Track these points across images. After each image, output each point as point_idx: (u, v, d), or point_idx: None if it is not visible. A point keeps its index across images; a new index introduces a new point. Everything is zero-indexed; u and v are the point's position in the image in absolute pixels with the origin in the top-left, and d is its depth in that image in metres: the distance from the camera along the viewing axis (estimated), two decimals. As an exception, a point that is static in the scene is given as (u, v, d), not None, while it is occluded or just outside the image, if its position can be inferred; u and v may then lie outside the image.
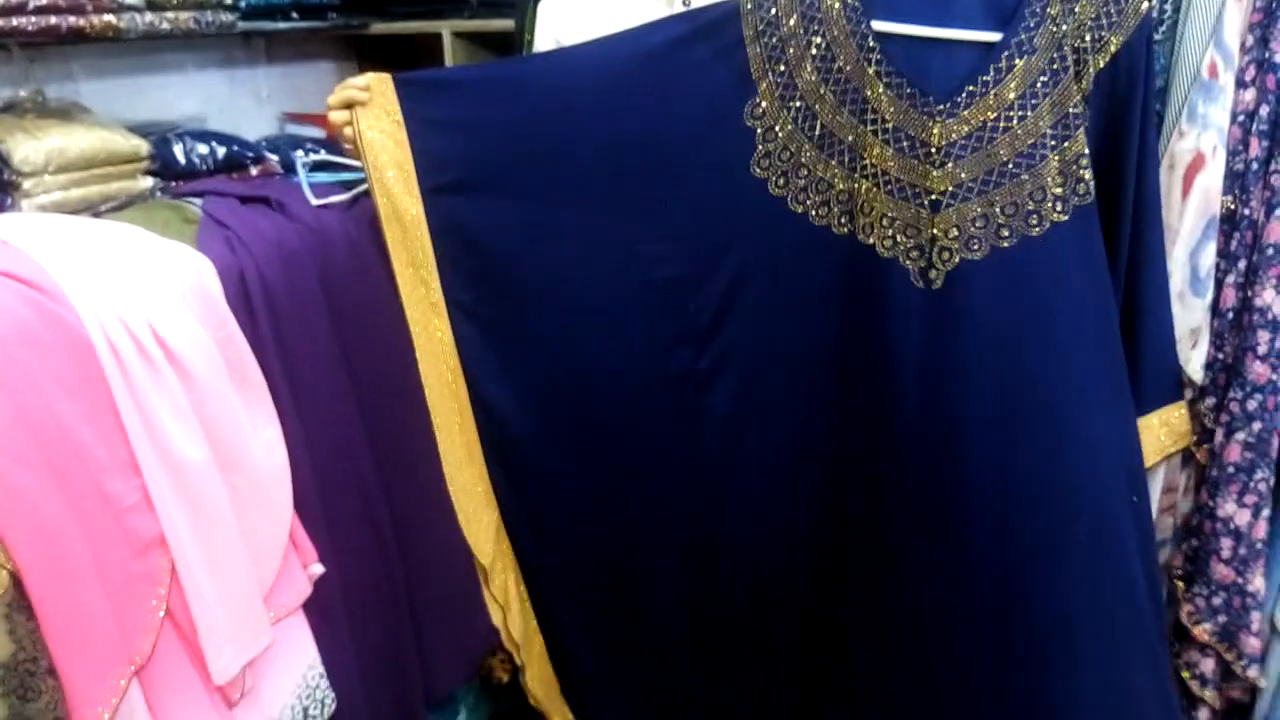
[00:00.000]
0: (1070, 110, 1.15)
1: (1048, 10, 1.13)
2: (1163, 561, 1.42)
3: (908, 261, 1.20)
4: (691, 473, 1.39)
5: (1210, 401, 1.33)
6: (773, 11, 1.18)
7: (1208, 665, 1.38)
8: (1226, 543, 1.32)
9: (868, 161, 1.19)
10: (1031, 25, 1.14)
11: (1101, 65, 1.15)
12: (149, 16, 1.59)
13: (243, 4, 1.75)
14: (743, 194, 1.24)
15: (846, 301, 1.26)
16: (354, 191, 1.48)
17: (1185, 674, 1.41)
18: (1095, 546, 1.22)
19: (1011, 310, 1.19)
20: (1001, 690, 1.28)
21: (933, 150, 1.17)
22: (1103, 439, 1.23)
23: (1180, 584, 1.40)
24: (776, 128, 1.21)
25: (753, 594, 1.43)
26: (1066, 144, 1.16)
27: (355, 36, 2.23)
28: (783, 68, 1.19)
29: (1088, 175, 1.16)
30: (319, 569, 1.15)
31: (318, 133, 1.96)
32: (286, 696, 1.12)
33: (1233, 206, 1.26)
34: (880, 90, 1.17)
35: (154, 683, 1.00)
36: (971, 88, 1.15)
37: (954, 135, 1.16)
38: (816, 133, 1.20)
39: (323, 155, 1.63)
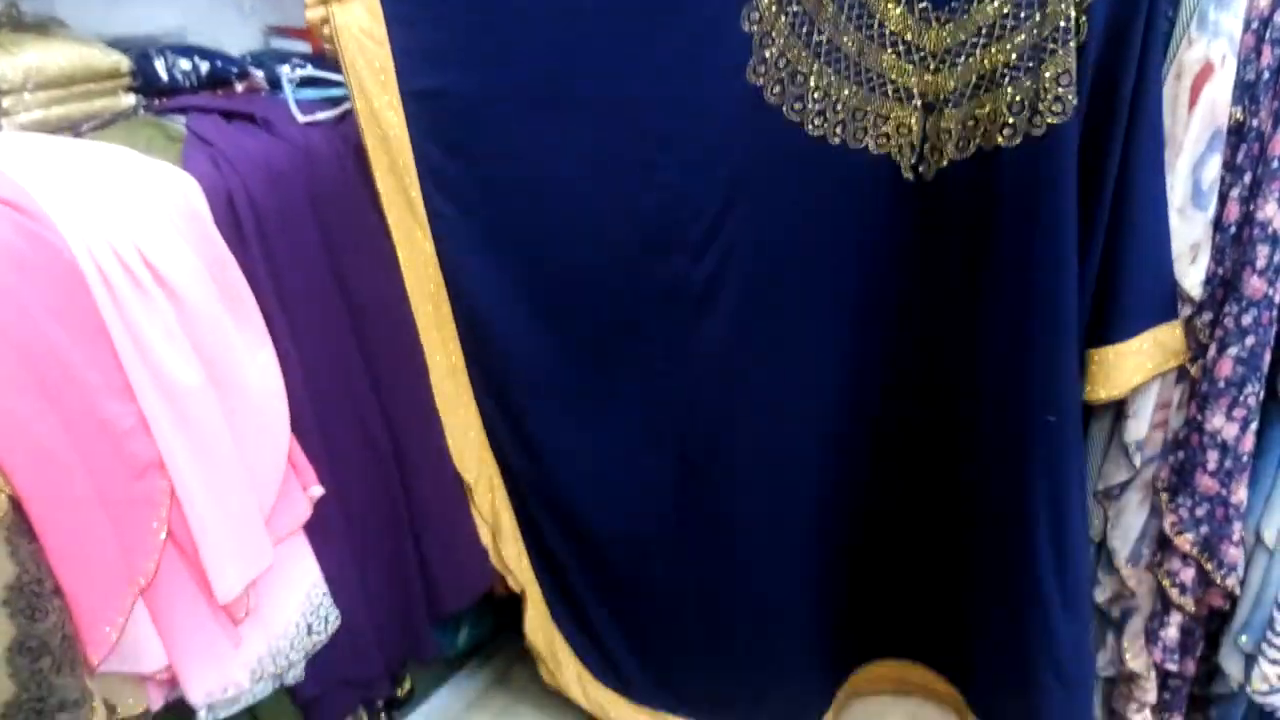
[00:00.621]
0: (1060, 24, 1.13)
1: None
2: (1150, 476, 1.44)
3: (900, 157, 1.23)
4: (687, 387, 1.40)
5: (1207, 317, 1.32)
6: None
7: (1187, 574, 1.41)
8: (1213, 455, 1.34)
9: (864, 66, 1.19)
10: None
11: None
12: (122, -77, 1.53)
13: (220, -91, 1.68)
14: (738, 102, 1.22)
15: (841, 208, 1.28)
16: (342, 108, 1.44)
17: (1165, 582, 1.44)
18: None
19: (988, 208, 1.23)
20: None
21: (928, 55, 1.18)
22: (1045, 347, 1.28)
23: (1164, 496, 1.42)
24: (774, 33, 1.19)
25: (756, 506, 1.46)
26: (1056, 57, 1.14)
27: (338, -57, 2.14)
28: None
29: (1070, 95, 1.15)
30: (318, 490, 1.16)
31: (304, 47, 1.90)
32: (290, 614, 1.15)
33: (1241, 118, 1.23)
34: None
35: (160, 602, 1.02)
36: None
37: (949, 41, 1.17)
38: (814, 39, 1.19)
39: (309, 71, 1.58)
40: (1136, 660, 1.51)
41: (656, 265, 1.33)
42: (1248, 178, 1.24)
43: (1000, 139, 1.18)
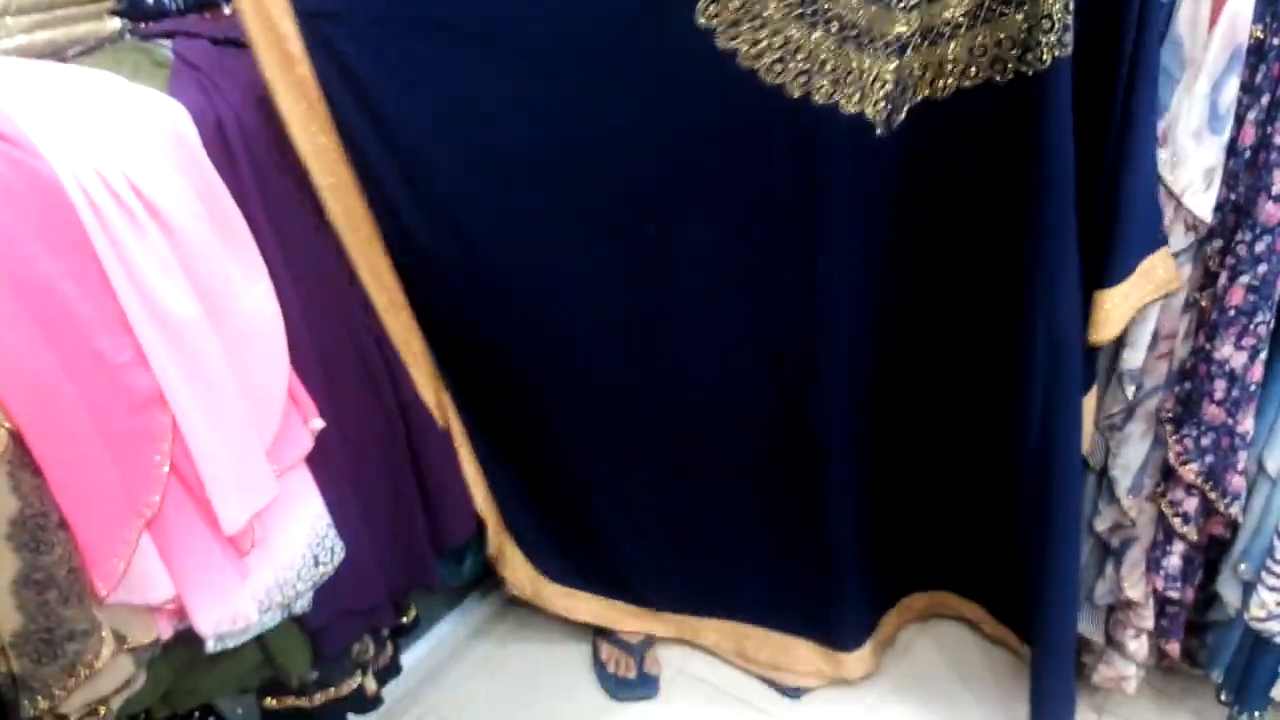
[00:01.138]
0: None
1: None
2: (1154, 406, 1.43)
3: (874, 112, 1.14)
4: (635, 340, 1.37)
5: (1217, 244, 1.30)
6: None
7: (1191, 504, 1.42)
8: (1220, 385, 1.33)
9: (829, 9, 1.09)
10: None
11: None
12: None
13: None
14: (687, 45, 1.12)
15: (803, 165, 1.20)
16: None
17: (1168, 511, 1.45)
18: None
19: (965, 153, 1.17)
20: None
21: None
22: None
23: (1169, 426, 1.42)
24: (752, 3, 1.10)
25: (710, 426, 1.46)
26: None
27: None
28: None
29: (1069, 21, 1.07)
30: (319, 423, 1.16)
31: (291, -32, 1.84)
32: (296, 546, 1.15)
33: (1261, 36, 1.19)
34: None
35: (166, 535, 1.02)
36: None
37: None
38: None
39: (297, -7, 1.53)
40: (1135, 589, 1.52)
41: (603, 215, 1.26)
42: (1265, 99, 1.21)
43: (997, 74, 1.11)
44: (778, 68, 1.12)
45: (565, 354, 1.39)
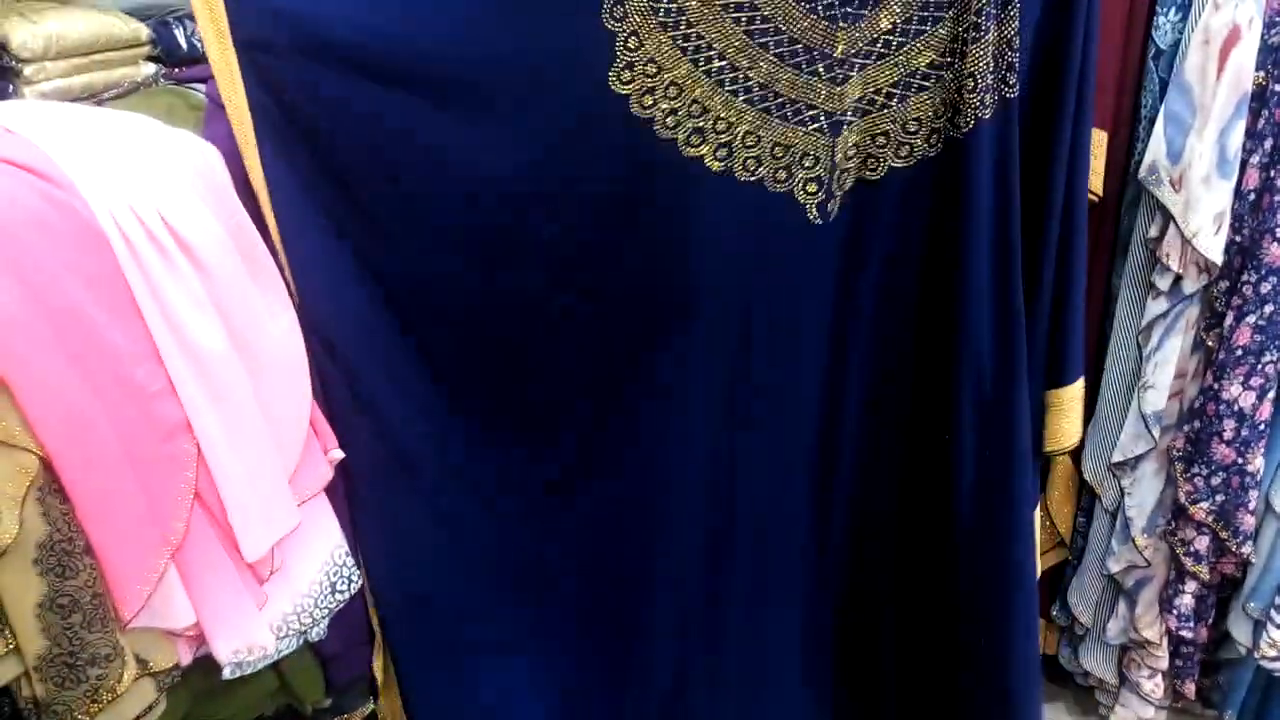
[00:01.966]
0: (977, 20, 0.97)
1: None
2: (1165, 446, 1.44)
3: (804, 196, 1.04)
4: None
5: (1223, 285, 1.32)
6: None
7: (1202, 543, 1.42)
8: (1229, 424, 1.34)
9: (754, 81, 1.00)
10: None
11: None
12: (140, -111, 1.53)
13: (235, -125, 1.67)
14: (600, 111, 1.02)
15: (724, 244, 1.08)
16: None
17: (1179, 550, 1.45)
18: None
19: (913, 232, 1.07)
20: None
21: (834, 62, 0.98)
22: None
23: (1180, 465, 1.42)
24: (642, 34, 0.98)
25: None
26: (979, 44, 0.99)
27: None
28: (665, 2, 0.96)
29: (989, 82, 1.00)
30: (339, 454, 1.18)
31: (319, 13, 1.89)
32: (315, 574, 1.17)
33: (1264, 82, 1.22)
34: None
35: (188, 562, 1.04)
36: None
37: (860, 42, 0.98)
38: (690, 44, 0.98)
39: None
40: (1150, 628, 1.52)
41: (515, 277, 1.12)
42: (1268, 144, 1.23)
43: (931, 147, 1.02)
44: (695, 139, 1.02)
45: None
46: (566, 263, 1.09)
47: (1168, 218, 1.28)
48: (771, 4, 0.97)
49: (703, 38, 0.98)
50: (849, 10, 0.97)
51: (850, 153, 1.03)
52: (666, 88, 1.00)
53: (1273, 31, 1.20)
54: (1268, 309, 1.26)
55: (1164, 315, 1.35)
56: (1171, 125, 1.27)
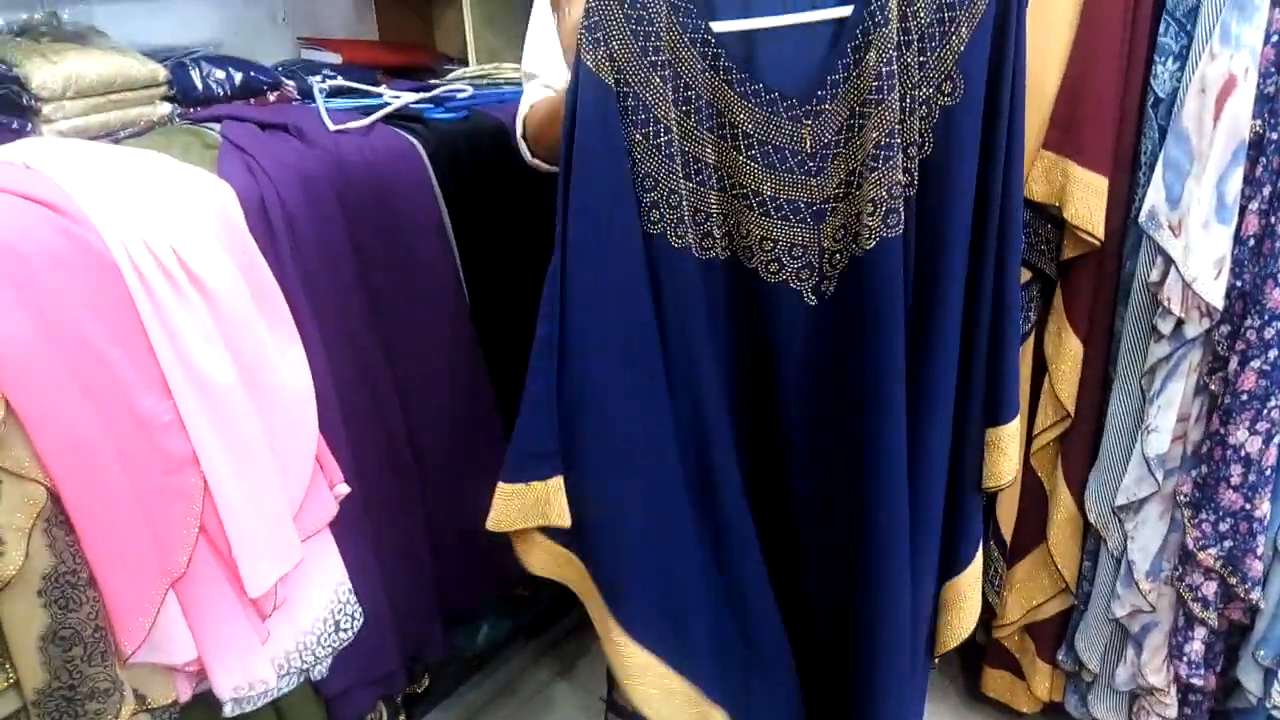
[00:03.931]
0: (910, 91, 1.01)
1: None
2: (1170, 489, 1.44)
3: (798, 283, 1.08)
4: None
5: (1225, 329, 1.33)
6: (609, 39, 0.98)
7: (1210, 589, 1.41)
8: (1236, 469, 1.33)
9: (736, 181, 1.04)
10: None
11: (955, 53, 0.99)
12: (162, -63, 1.58)
13: (255, -76, 1.72)
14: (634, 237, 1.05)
15: (738, 323, 1.13)
16: (372, 117, 1.47)
17: (1187, 596, 1.43)
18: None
19: (886, 309, 1.08)
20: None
21: (806, 157, 1.02)
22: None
23: (1187, 511, 1.41)
24: (638, 154, 1.02)
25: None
26: (907, 126, 1.02)
27: (370, -41, 2.20)
28: (632, 101, 0.99)
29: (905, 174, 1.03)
30: (344, 489, 1.18)
31: (334, 58, 1.94)
32: (318, 611, 1.17)
33: (1261, 130, 1.24)
34: (735, 102, 1.01)
35: (190, 596, 1.04)
36: (834, 75, 1.00)
37: (826, 135, 1.02)
38: (680, 158, 1.03)
39: (340, 81, 1.62)
40: (1157, 675, 1.50)
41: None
42: (1266, 190, 1.25)
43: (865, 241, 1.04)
44: (707, 242, 1.07)
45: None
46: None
47: (1169, 262, 1.29)
48: (734, 110, 1.01)
49: (687, 151, 1.03)
50: (810, 108, 1.01)
51: (838, 235, 1.06)
52: (668, 198, 1.04)
53: (1268, 81, 1.22)
54: (1272, 354, 1.26)
55: (1166, 359, 1.36)
56: (1170, 171, 1.29)
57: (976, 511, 1.23)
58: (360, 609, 1.23)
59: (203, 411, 1.00)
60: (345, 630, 1.19)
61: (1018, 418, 1.18)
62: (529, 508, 1.10)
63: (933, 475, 1.17)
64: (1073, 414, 1.49)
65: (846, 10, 0.99)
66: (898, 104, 1.00)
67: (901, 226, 1.04)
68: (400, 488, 1.40)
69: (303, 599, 1.14)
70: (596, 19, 0.97)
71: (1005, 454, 1.18)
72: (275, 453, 1.06)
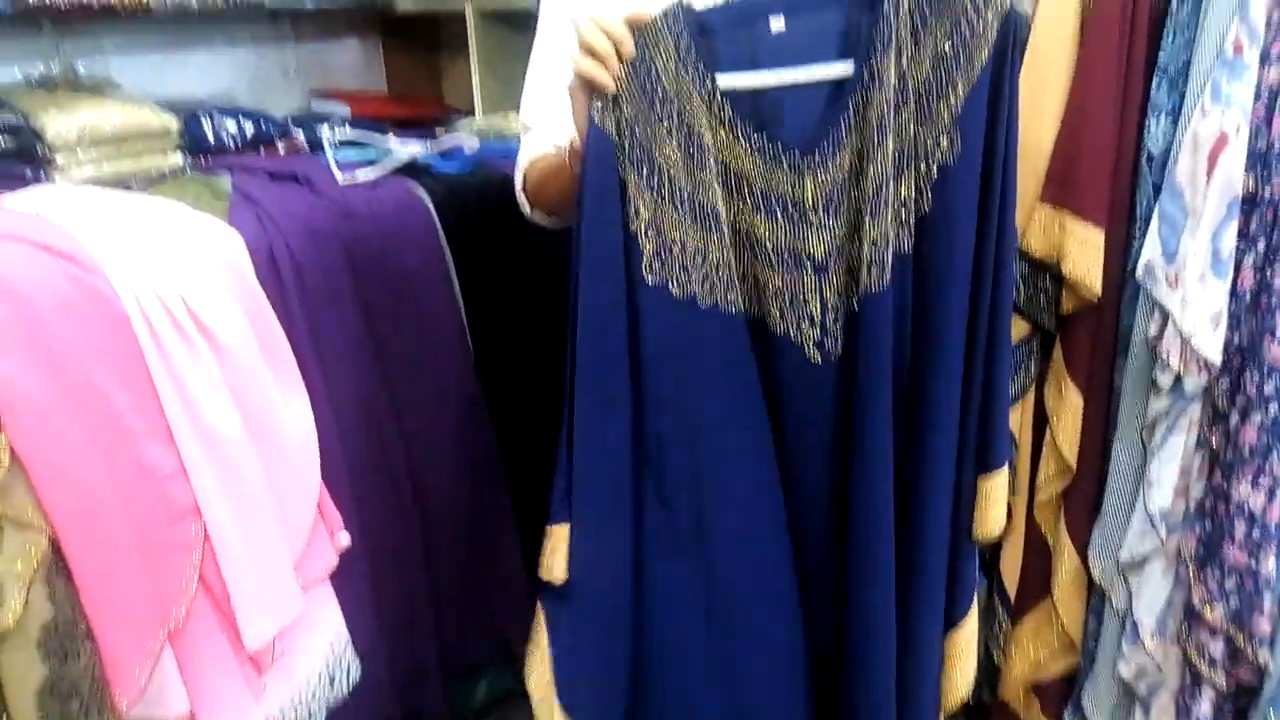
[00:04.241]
0: (904, 148, 1.02)
1: (893, 31, 0.99)
2: (1174, 545, 1.43)
3: (800, 338, 1.09)
4: None
5: (1224, 384, 1.33)
6: (619, 100, 1.00)
7: (1217, 648, 1.39)
8: (1240, 525, 1.33)
9: (743, 230, 1.06)
10: (881, 50, 0.99)
11: (952, 111, 1.01)
12: (178, -7, 1.62)
13: (270, -19, 1.77)
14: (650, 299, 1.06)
15: (753, 374, 1.13)
16: (380, 169, 1.50)
17: (1194, 656, 1.42)
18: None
19: (875, 361, 1.08)
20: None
21: (809, 208, 1.04)
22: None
23: (1192, 567, 1.40)
24: (645, 212, 1.04)
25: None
26: (901, 183, 1.04)
27: (380, 14, 2.25)
28: (638, 152, 1.01)
29: (907, 226, 1.05)
30: (345, 538, 1.18)
31: (343, 110, 1.97)
32: (314, 664, 1.15)
33: (1253, 187, 1.25)
34: (739, 154, 1.04)
35: (187, 649, 1.03)
36: (836, 130, 1.02)
37: (828, 187, 1.04)
38: (688, 207, 1.05)
39: (349, 133, 1.65)
40: (1165, 736, 1.48)
41: None
42: (1261, 245, 1.26)
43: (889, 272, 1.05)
44: (706, 288, 1.08)
45: None
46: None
47: (1166, 316, 1.30)
48: (739, 163, 1.04)
49: (696, 200, 1.04)
50: (812, 160, 1.03)
51: (840, 288, 1.07)
52: (669, 248, 1.05)
53: (1259, 138, 1.24)
54: (1272, 408, 1.27)
55: (1166, 413, 1.36)
56: (1166, 226, 1.30)
57: (971, 560, 1.22)
58: (357, 662, 1.21)
59: (207, 461, 1.00)
60: (340, 684, 1.17)
61: (1005, 467, 1.18)
62: (548, 550, 1.11)
63: (935, 528, 1.16)
64: (1075, 467, 1.49)
65: (848, 67, 1.01)
66: (890, 157, 1.02)
67: (890, 278, 1.05)
68: (402, 539, 1.40)
69: (299, 651, 1.13)
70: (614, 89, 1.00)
71: (994, 502, 1.18)
72: (278, 503, 1.06)
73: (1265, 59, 1.22)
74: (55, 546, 0.93)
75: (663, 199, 1.04)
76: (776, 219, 1.05)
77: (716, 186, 1.05)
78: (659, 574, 1.16)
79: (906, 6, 0.99)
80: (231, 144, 1.59)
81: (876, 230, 1.03)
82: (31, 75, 1.58)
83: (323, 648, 1.17)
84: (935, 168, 1.03)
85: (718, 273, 1.08)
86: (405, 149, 1.60)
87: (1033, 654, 1.60)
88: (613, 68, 0.99)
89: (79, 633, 0.95)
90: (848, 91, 1.01)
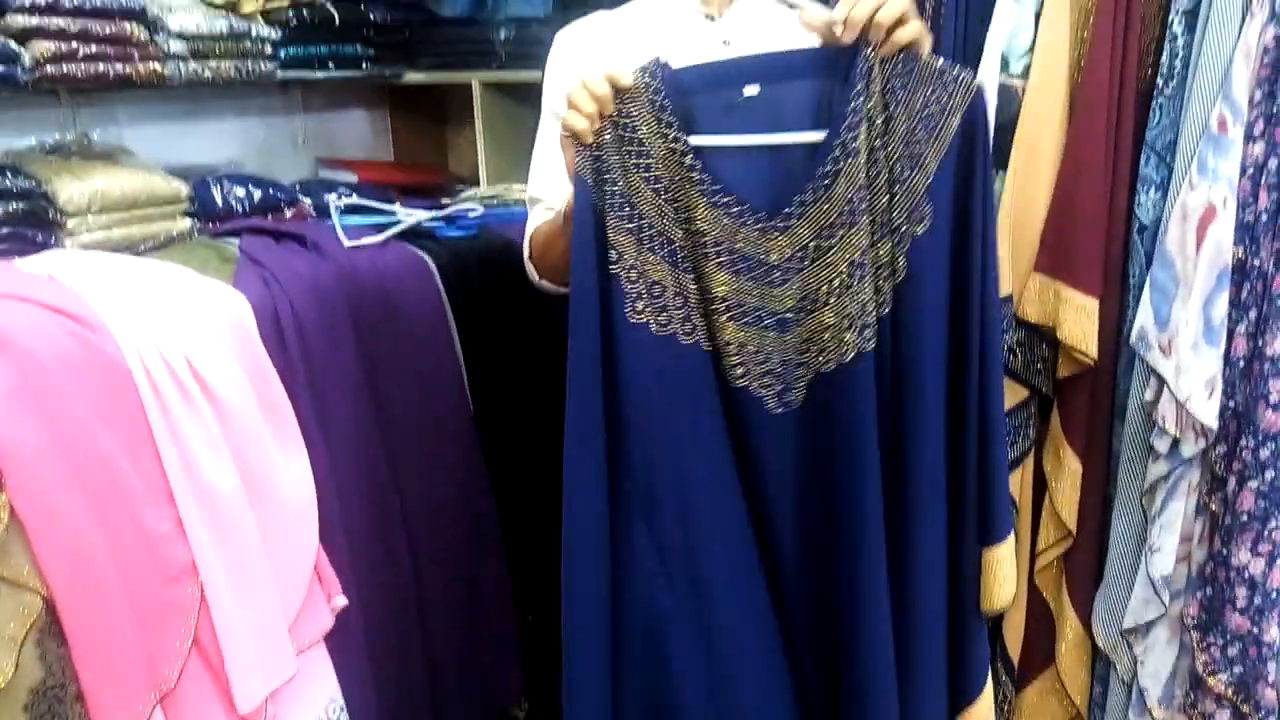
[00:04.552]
0: (881, 218, 1.05)
1: (865, 105, 1.01)
2: (1177, 612, 1.41)
3: (762, 390, 1.11)
4: None
5: (1221, 450, 1.33)
6: (601, 151, 1.05)
7: (1223, 717, 1.37)
8: (1241, 592, 1.32)
9: (705, 285, 1.09)
10: (853, 124, 1.02)
11: (924, 183, 1.04)
12: (193, 65, 1.67)
13: (282, 54, 1.82)
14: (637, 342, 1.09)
15: (722, 414, 1.14)
16: (385, 234, 1.52)
17: (1201, 725, 1.40)
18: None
19: (858, 423, 1.09)
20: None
21: (772, 267, 1.07)
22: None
23: (1195, 634, 1.39)
24: (628, 255, 1.08)
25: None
26: (877, 253, 1.06)
27: (388, 86, 2.31)
28: (619, 198, 1.06)
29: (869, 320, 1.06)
30: (342, 601, 1.17)
31: (350, 177, 2.02)
32: (306, 727, 1.14)
33: (1243, 257, 1.28)
34: (706, 210, 1.06)
35: (178, 711, 1.02)
36: (801, 196, 1.05)
37: (791, 250, 1.07)
38: (664, 250, 1.08)
39: (354, 199, 1.68)
40: (1175, 808, 1.44)
41: None
42: (1253, 314, 1.28)
43: (868, 343, 1.06)
44: (687, 327, 1.11)
45: None
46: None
47: (1161, 382, 1.32)
48: (706, 219, 1.07)
49: (671, 243, 1.08)
50: (776, 224, 1.06)
51: (805, 349, 1.09)
52: (651, 289, 1.09)
53: (1246, 211, 1.27)
54: (1269, 474, 1.27)
55: (1165, 478, 1.36)
56: (1157, 294, 1.32)
57: (980, 636, 1.21)
58: (351, 727, 1.19)
59: (204, 521, 1.00)
60: (335, 749, 1.16)
61: (1010, 539, 1.17)
62: None
63: (926, 592, 1.15)
64: (1074, 532, 1.49)
65: (820, 135, 1.04)
66: (868, 228, 1.05)
67: (874, 341, 1.07)
68: (398, 601, 1.39)
69: (292, 715, 1.12)
70: (594, 143, 1.05)
71: (997, 577, 1.16)
72: (275, 564, 1.06)
73: (1249, 135, 1.26)
74: (50, 607, 0.93)
75: (641, 244, 1.07)
76: (740, 275, 1.08)
77: (683, 238, 1.08)
78: (648, 601, 1.16)
79: (879, 84, 1.02)
80: (240, 209, 1.62)
81: (863, 294, 1.05)
82: (46, 142, 1.62)
83: (317, 710, 1.15)
84: (908, 238, 1.06)
85: (697, 314, 1.11)
86: (410, 215, 1.63)
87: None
88: (594, 121, 1.04)
89: (68, 695, 0.94)
90: (818, 161, 1.04)
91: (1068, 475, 1.46)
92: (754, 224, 1.07)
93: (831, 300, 1.07)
